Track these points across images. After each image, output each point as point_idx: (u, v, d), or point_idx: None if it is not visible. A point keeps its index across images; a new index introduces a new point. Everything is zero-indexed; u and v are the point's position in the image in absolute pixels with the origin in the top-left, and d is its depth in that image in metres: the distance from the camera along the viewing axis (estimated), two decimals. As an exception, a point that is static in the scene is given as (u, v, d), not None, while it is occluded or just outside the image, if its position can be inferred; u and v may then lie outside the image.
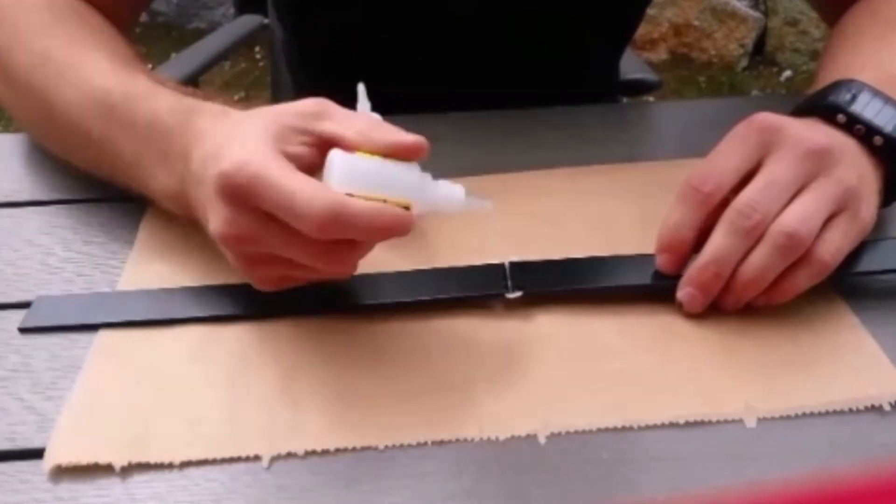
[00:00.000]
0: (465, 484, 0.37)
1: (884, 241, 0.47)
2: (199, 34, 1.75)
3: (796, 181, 0.42)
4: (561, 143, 0.60)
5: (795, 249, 0.42)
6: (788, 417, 0.39)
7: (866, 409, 0.39)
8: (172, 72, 1.14)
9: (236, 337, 0.44)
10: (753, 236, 0.42)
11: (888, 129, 0.46)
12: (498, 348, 0.43)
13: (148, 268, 0.49)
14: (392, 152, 0.39)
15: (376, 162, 0.39)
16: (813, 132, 0.44)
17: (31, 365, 0.43)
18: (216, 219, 0.39)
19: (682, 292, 0.44)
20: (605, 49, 0.77)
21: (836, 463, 0.37)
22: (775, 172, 0.43)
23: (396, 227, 0.38)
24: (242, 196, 0.38)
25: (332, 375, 0.42)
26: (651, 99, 1.61)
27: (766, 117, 0.44)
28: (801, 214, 0.42)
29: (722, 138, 0.45)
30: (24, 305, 0.46)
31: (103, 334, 0.44)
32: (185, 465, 0.37)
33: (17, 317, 0.46)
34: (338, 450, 0.38)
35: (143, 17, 2.48)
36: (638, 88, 1.03)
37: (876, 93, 0.47)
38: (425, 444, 0.38)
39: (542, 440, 0.38)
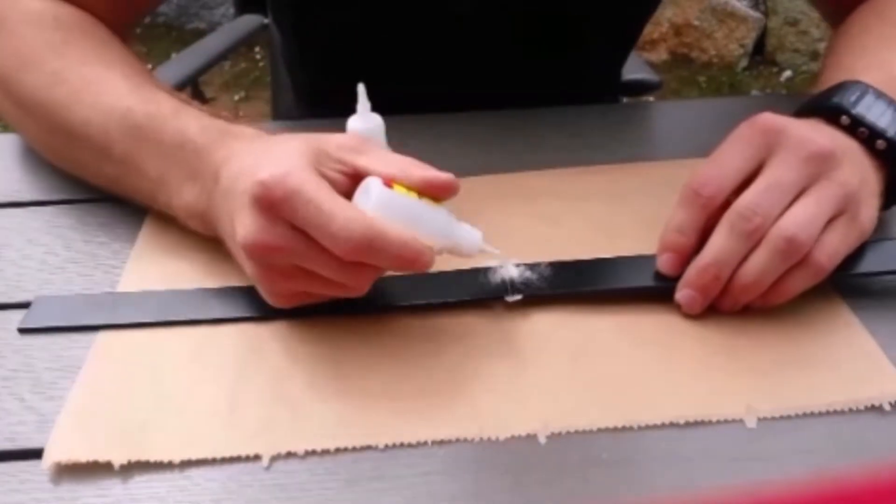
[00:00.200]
0: (466, 484, 0.37)
1: (883, 242, 0.47)
2: (199, 34, 1.75)
3: (798, 184, 0.42)
4: (561, 143, 0.61)
5: (795, 254, 0.42)
6: (788, 417, 0.39)
7: (866, 409, 0.40)
8: (172, 72, 1.14)
9: (236, 338, 0.44)
10: (754, 239, 0.42)
11: (891, 132, 0.46)
12: (498, 348, 0.43)
13: (148, 269, 0.49)
14: (426, 188, 0.41)
15: (411, 199, 0.41)
16: (815, 134, 0.44)
17: (31, 365, 0.43)
18: (246, 227, 0.40)
19: (681, 294, 0.44)
20: (605, 50, 0.77)
21: (836, 463, 0.37)
22: (777, 175, 0.43)
23: (419, 262, 0.40)
24: (278, 207, 0.38)
25: (332, 375, 0.42)
26: (651, 99, 1.61)
27: (769, 118, 0.44)
28: (801, 218, 0.42)
29: (722, 138, 0.45)
30: (25, 305, 0.46)
31: (103, 335, 0.44)
32: (185, 465, 0.37)
33: (18, 317, 0.46)
34: (338, 450, 0.38)
35: (144, 17, 2.48)
36: (638, 88, 1.03)
37: (880, 95, 0.47)
38: (425, 443, 0.38)
39: (542, 440, 0.38)
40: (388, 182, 0.40)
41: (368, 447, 0.38)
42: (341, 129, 0.49)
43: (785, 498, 0.29)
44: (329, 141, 0.42)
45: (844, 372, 0.41)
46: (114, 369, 0.42)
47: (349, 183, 0.42)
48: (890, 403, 0.40)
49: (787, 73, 2.43)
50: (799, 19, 2.38)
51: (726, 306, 0.44)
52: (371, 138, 0.49)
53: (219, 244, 0.46)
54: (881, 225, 0.48)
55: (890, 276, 0.47)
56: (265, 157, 0.41)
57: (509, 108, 0.64)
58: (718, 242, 0.43)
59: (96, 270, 0.49)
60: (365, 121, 0.48)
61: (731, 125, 0.46)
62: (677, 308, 0.45)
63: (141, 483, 0.37)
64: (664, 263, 0.45)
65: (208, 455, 0.38)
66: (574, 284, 0.46)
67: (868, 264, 0.46)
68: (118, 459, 0.37)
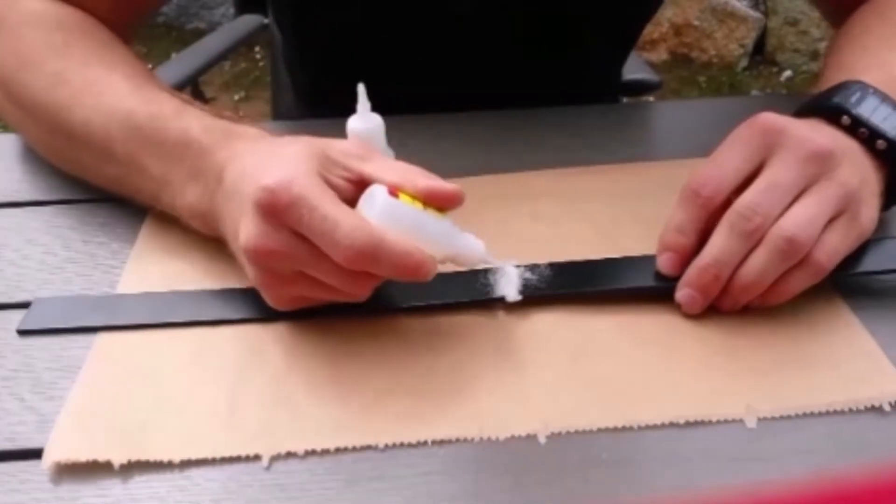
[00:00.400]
0: (466, 484, 0.37)
1: (883, 241, 0.47)
2: (199, 34, 1.75)
3: (798, 184, 0.42)
4: (561, 143, 0.61)
5: (795, 254, 0.42)
6: (788, 417, 0.39)
7: (866, 409, 0.39)
8: (172, 72, 1.14)
9: (236, 339, 0.44)
10: (753, 239, 0.42)
11: (891, 133, 0.46)
12: (498, 348, 0.43)
13: (148, 270, 0.49)
14: (431, 198, 0.41)
15: (415, 209, 0.41)
16: (816, 134, 0.44)
17: (31, 365, 0.43)
18: (249, 232, 0.40)
19: (681, 293, 0.44)
20: (605, 50, 0.77)
21: (836, 463, 0.37)
22: (777, 175, 0.43)
23: (421, 272, 0.40)
24: (282, 214, 0.38)
25: (332, 375, 0.42)
26: (651, 99, 1.61)
27: (769, 118, 0.44)
28: (801, 218, 0.42)
29: (722, 138, 0.45)
30: (25, 305, 0.46)
31: (102, 336, 0.44)
32: (185, 465, 0.37)
33: (17, 317, 0.46)
34: (338, 450, 0.38)
35: (144, 17, 2.47)
36: (638, 88, 1.03)
37: (881, 96, 0.46)
38: (425, 443, 0.38)
39: (541, 440, 0.38)
40: (393, 190, 0.40)
41: (368, 447, 0.38)
42: (341, 128, 0.49)
43: (785, 498, 0.29)
44: (333, 146, 0.42)
45: (844, 372, 0.41)
46: (113, 370, 0.42)
47: (353, 190, 0.42)
48: (890, 403, 0.40)
49: (787, 73, 2.43)
50: (799, 19, 2.38)
51: (726, 306, 0.44)
52: (372, 141, 0.49)
53: (219, 245, 0.46)
54: (881, 225, 0.48)
55: (890, 276, 0.47)
56: (270, 161, 0.41)
57: (509, 108, 0.64)
58: (718, 242, 0.43)
59: (95, 270, 0.49)
60: (365, 121, 0.48)
61: (731, 125, 0.46)
62: (677, 308, 0.45)
63: (141, 483, 0.37)
64: (664, 263, 0.45)
65: (208, 455, 0.38)
66: (574, 285, 0.46)
67: (868, 264, 0.46)
68: (118, 459, 0.37)
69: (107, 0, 0.58)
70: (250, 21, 1.25)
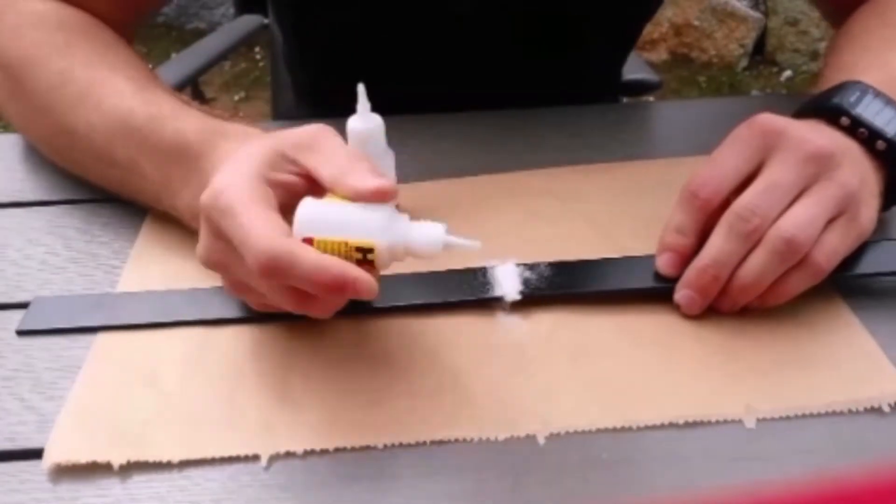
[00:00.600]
0: (465, 484, 0.37)
1: (883, 242, 0.47)
2: (199, 34, 1.75)
3: (797, 184, 0.42)
4: (561, 143, 0.61)
5: (794, 255, 0.42)
6: (788, 417, 0.39)
7: (866, 409, 0.40)
8: (172, 72, 1.14)
9: (235, 338, 0.44)
10: (752, 240, 0.42)
11: (891, 133, 0.46)
12: (498, 348, 0.43)
13: (148, 269, 0.49)
14: (357, 199, 0.39)
15: (341, 205, 0.39)
16: (815, 135, 0.44)
17: (31, 365, 0.43)
18: (199, 243, 0.41)
19: (680, 295, 0.44)
20: (605, 50, 0.77)
21: (836, 463, 0.37)
22: (776, 175, 0.43)
23: (347, 286, 0.36)
24: (214, 222, 0.39)
25: (332, 375, 0.42)
26: (651, 99, 1.61)
27: (768, 119, 0.44)
28: (800, 219, 0.42)
29: (722, 138, 0.45)
30: (26, 305, 0.46)
31: (102, 336, 0.44)
32: (185, 464, 0.37)
33: (18, 317, 0.46)
34: (338, 450, 0.38)
35: (144, 17, 2.47)
36: (638, 88, 1.03)
37: (881, 96, 0.46)
38: (425, 443, 0.38)
39: (541, 440, 0.38)
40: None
41: (368, 447, 0.38)
42: (341, 128, 0.49)
43: (785, 498, 0.29)
44: (286, 140, 0.41)
45: (844, 372, 0.41)
46: (113, 370, 0.42)
47: (304, 183, 0.41)
48: (890, 404, 0.40)
49: (787, 73, 2.43)
50: (799, 19, 2.38)
51: (725, 307, 0.44)
52: (372, 141, 0.49)
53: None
54: (881, 225, 0.48)
55: (890, 277, 0.47)
56: (225, 166, 0.40)
57: (509, 108, 0.64)
58: (717, 243, 0.43)
59: (97, 270, 0.49)
60: (365, 121, 0.48)
61: (731, 125, 0.46)
62: (677, 308, 0.45)
63: (141, 483, 0.37)
64: (663, 263, 0.45)
65: (208, 455, 0.38)
66: (574, 285, 0.46)
67: (868, 265, 0.46)
68: (118, 460, 0.37)
69: (108, 0, 0.58)
70: (250, 21, 1.25)
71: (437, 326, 0.44)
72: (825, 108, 0.47)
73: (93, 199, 0.55)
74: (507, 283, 0.46)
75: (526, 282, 0.46)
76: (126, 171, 0.50)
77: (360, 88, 0.47)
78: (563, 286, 0.46)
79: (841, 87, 0.48)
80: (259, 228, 0.37)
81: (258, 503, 0.36)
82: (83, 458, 0.37)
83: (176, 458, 0.38)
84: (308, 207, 0.39)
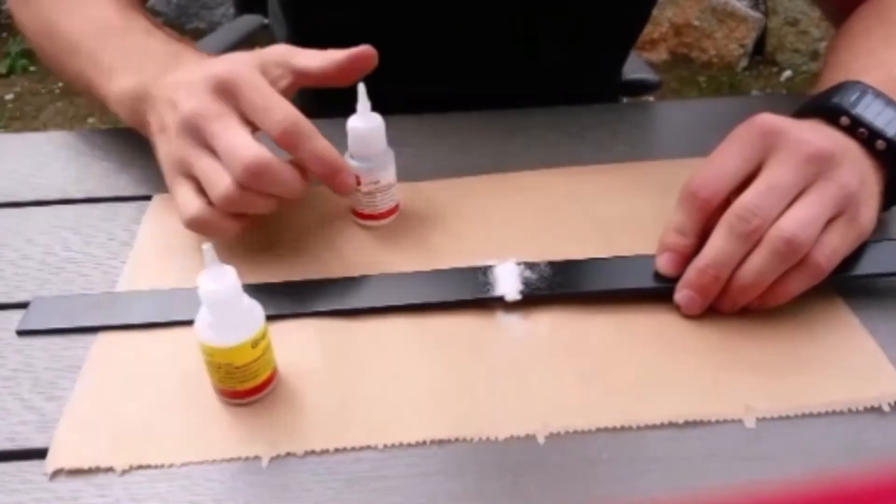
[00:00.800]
0: (465, 484, 0.37)
1: (883, 242, 0.47)
2: (199, 34, 1.75)
3: (797, 185, 0.42)
4: (561, 143, 0.61)
5: (794, 255, 0.42)
6: (788, 417, 0.39)
7: (866, 409, 0.40)
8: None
9: (236, 337, 0.44)
10: (752, 240, 0.42)
11: (891, 133, 0.45)
12: (498, 348, 0.43)
13: (147, 269, 0.49)
14: (344, 71, 0.47)
15: None
16: (814, 135, 0.44)
17: (31, 365, 0.43)
18: (192, 102, 0.45)
19: (680, 295, 0.44)
20: (605, 50, 0.77)
21: (836, 463, 0.37)
22: (776, 176, 0.43)
23: (337, 177, 0.46)
24: (231, 90, 0.45)
25: (332, 375, 0.42)
26: (651, 99, 1.61)
27: (767, 119, 0.44)
28: (800, 219, 0.42)
29: (722, 138, 0.45)
30: (25, 305, 0.46)
31: (103, 336, 0.44)
32: (186, 464, 0.38)
33: (17, 317, 0.46)
34: (338, 450, 0.38)
35: (144, 17, 2.48)
36: (638, 88, 1.03)
37: (880, 96, 0.46)
38: (425, 443, 0.38)
39: (541, 440, 0.38)
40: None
41: (368, 447, 0.38)
42: (341, 128, 0.49)
43: (785, 498, 0.29)
44: (264, 52, 0.48)
45: (844, 372, 0.41)
46: (114, 371, 0.42)
47: (290, 83, 0.48)
48: (890, 404, 0.40)
49: (787, 73, 2.43)
50: (799, 19, 2.38)
51: (725, 307, 0.44)
52: (372, 141, 0.49)
53: (217, 244, 0.46)
54: (881, 225, 0.48)
55: (890, 277, 0.47)
56: (217, 61, 0.47)
57: (509, 108, 0.64)
58: (717, 243, 0.43)
59: (95, 270, 0.49)
60: (365, 120, 0.48)
61: (731, 125, 0.46)
62: (677, 309, 0.45)
63: (142, 483, 0.37)
64: (663, 263, 0.45)
65: (209, 457, 0.38)
66: (574, 284, 0.46)
67: (868, 265, 0.46)
68: (120, 465, 0.37)
69: None
70: (250, 21, 1.25)
71: (437, 326, 0.44)
72: (825, 107, 0.47)
73: (90, 199, 0.55)
74: (508, 283, 0.46)
75: (526, 281, 0.46)
76: (85, 62, 0.55)
77: (361, 88, 0.47)
78: (563, 286, 0.46)
79: (841, 87, 0.48)
80: (284, 102, 0.45)
81: (258, 503, 0.36)
82: (86, 463, 0.37)
83: (178, 461, 0.38)
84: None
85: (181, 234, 0.50)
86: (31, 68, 2.45)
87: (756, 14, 2.43)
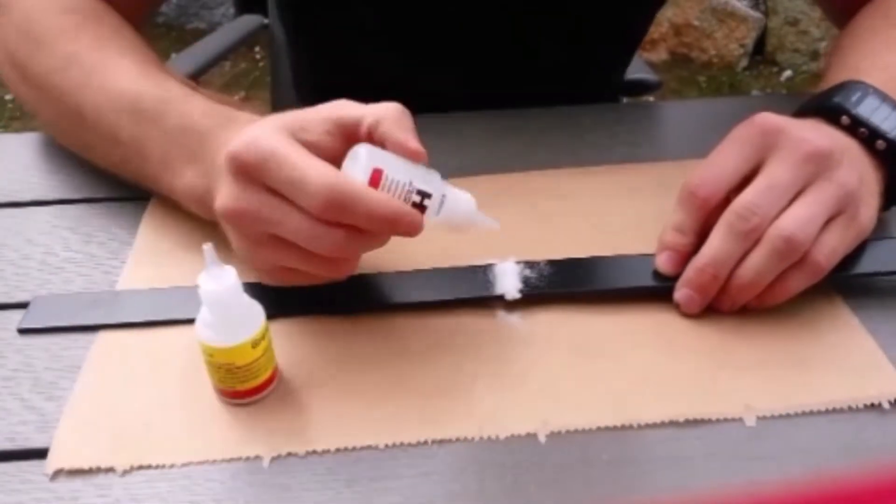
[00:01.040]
0: (466, 483, 0.37)
1: (883, 241, 0.47)
2: (199, 34, 1.75)
3: (796, 184, 0.42)
4: (561, 143, 0.60)
5: (793, 253, 0.42)
6: (788, 416, 0.39)
7: (866, 408, 0.40)
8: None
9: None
10: (751, 239, 0.42)
11: (891, 133, 0.46)
12: (498, 348, 0.43)
13: (147, 269, 0.49)
14: (405, 150, 0.40)
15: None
16: (814, 134, 0.44)
17: (31, 365, 0.43)
18: (222, 195, 0.40)
19: (680, 293, 0.44)
20: (606, 50, 0.77)
21: (836, 463, 0.37)
22: (775, 175, 0.43)
23: (401, 222, 0.39)
24: (252, 171, 0.39)
25: (332, 375, 0.42)
26: (651, 99, 1.61)
27: (767, 118, 0.44)
28: (799, 218, 0.42)
29: (722, 138, 0.45)
30: (25, 305, 0.46)
31: (103, 335, 0.44)
32: (186, 464, 0.38)
33: (17, 317, 0.46)
34: (338, 450, 0.38)
35: (144, 17, 2.47)
36: (638, 88, 1.03)
37: (882, 96, 0.46)
38: (426, 443, 0.38)
39: (542, 439, 0.38)
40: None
41: (368, 447, 0.38)
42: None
43: (785, 498, 0.29)
44: (309, 109, 0.42)
45: (844, 372, 0.41)
46: (114, 371, 0.42)
47: (337, 143, 0.41)
48: (889, 403, 0.40)
49: (787, 73, 2.43)
50: (799, 19, 2.38)
51: (725, 306, 0.44)
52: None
53: (218, 242, 0.46)
54: (881, 225, 0.48)
55: (890, 276, 0.47)
56: (246, 129, 0.41)
57: (509, 108, 0.64)
58: (716, 242, 0.43)
59: (95, 270, 0.49)
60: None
61: (731, 125, 0.46)
62: (676, 307, 0.45)
63: (141, 482, 0.37)
64: (662, 262, 0.45)
65: (209, 457, 0.38)
66: (574, 283, 0.46)
67: (868, 264, 0.46)
68: (121, 465, 0.37)
69: None
70: (250, 21, 1.25)
71: (437, 325, 0.44)
72: (826, 106, 0.47)
73: (90, 199, 0.55)
74: (508, 282, 0.46)
75: (526, 280, 0.46)
76: (129, 151, 0.50)
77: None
78: (562, 285, 0.46)
79: (842, 87, 0.48)
80: (318, 167, 0.38)
81: (258, 503, 0.36)
82: (87, 464, 0.37)
83: (179, 461, 0.38)
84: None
85: (181, 233, 0.50)
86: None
87: (756, 14, 2.43)
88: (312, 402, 0.40)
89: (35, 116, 0.58)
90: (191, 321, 0.44)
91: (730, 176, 0.44)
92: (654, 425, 0.39)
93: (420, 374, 0.42)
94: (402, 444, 0.38)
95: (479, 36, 0.68)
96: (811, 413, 0.39)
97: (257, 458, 0.38)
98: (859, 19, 0.60)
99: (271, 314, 0.44)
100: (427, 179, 0.41)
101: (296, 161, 0.38)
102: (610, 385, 0.41)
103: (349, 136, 0.41)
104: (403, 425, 0.39)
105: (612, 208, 0.53)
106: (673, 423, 0.39)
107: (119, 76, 0.51)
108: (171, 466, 0.37)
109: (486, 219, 0.43)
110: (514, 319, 0.45)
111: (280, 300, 0.45)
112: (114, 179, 0.55)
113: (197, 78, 1.13)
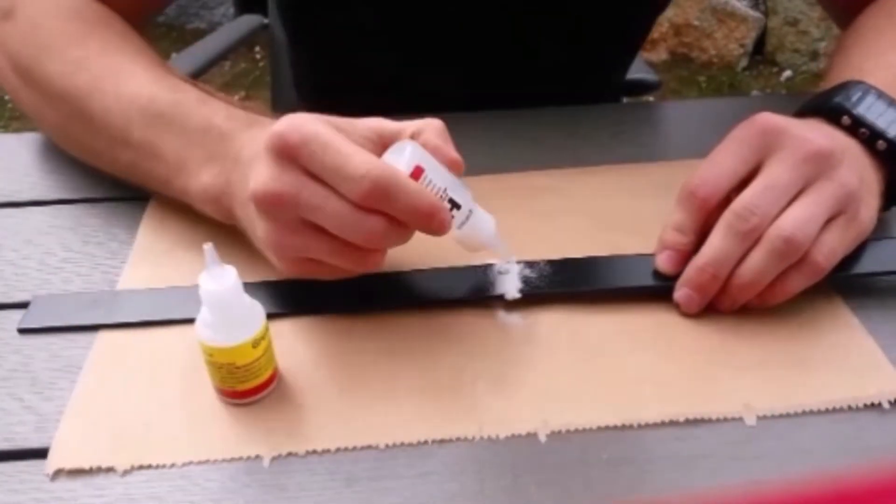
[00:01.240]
0: (466, 483, 0.37)
1: (883, 241, 0.47)
2: (199, 34, 1.74)
3: (796, 184, 0.42)
4: (561, 143, 0.60)
5: (793, 254, 0.42)
6: (788, 416, 0.39)
7: (866, 408, 0.40)
8: (172, 72, 1.14)
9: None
10: (751, 239, 0.42)
11: (892, 133, 0.45)
12: (498, 348, 0.43)
13: (146, 269, 0.49)
14: (446, 159, 0.42)
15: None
16: (815, 134, 0.44)
17: (30, 365, 0.43)
18: (259, 177, 0.39)
19: (679, 293, 0.44)
20: (606, 51, 0.77)
21: (836, 463, 0.37)
22: (775, 175, 0.43)
23: (435, 218, 0.39)
24: (294, 152, 0.38)
25: (332, 375, 0.42)
26: (651, 99, 1.61)
27: (767, 118, 0.44)
28: (799, 218, 0.42)
29: (722, 138, 0.45)
30: (24, 305, 0.46)
31: (103, 335, 0.44)
32: (185, 464, 0.37)
33: (16, 317, 0.46)
34: (338, 449, 0.38)
35: (143, 18, 2.47)
36: (638, 88, 1.03)
37: (882, 96, 0.46)
38: (426, 443, 0.38)
39: (542, 439, 0.38)
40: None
41: (368, 447, 0.38)
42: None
43: (785, 498, 0.29)
44: (336, 118, 0.42)
45: (844, 372, 0.41)
46: (114, 371, 0.42)
47: (374, 150, 0.41)
48: (889, 402, 0.40)
49: (787, 73, 2.43)
50: (799, 19, 2.38)
51: (725, 306, 0.44)
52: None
53: (219, 242, 0.46)
54: (881, 225, 0.48)
55: (890, 276, 0.47)
56: (282, 119, 0.41)
57: (509, 108, 0.64)
58: (716, 242, 0.43)
59: (95, 271, 0.49)
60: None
61: (731, 125, 0.46)
62: (676, 307, 0.45)
63: (140, 483, 0.37)
64: (662, 262, 0.45)
65: (209, 457, 0.38)
66: (574, 283, 0.46)
67: (868, 264, 0.46)
68: (121, 465, 0.37)
69: None
70: (250, 21, 1.25)
71: (437, 324, 0.44)
72: (827, 106, 0.47)
73: (89, 199, 0.55)
74: (508, 282, 0.46)
75: (526, 280, 0.46)
76: (139, 153, 0.50)
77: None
78: (563, 284, 0.46)
79: (843, 87, 0.48)
80: (362, 153, 0.38)
81: (258, 503, 0.36)
82: (87, 463, 0.37)
83: (179, 461, 0.38)
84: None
85: (181, 233, 0.50)
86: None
87: (756, 14, 2.43)
88: (312, 401, 0.40)
89: (38, 122, 0.58)
90: (191, 321, 0.44)
91: (730, 176, 0.44)
92: (654, 425, 0.39)
93: (420, 373, 0.42)
94: (401, 444, 0.38)
95: (479, 36, 0.68)
96: (811, 413, 0.39)
97: (257, 457, 0.38)
98: (863, 19, 0.60)
99: (271, 314, 0.44)
100: (460, 192, 0.42)
101: (339, 146, 0.38)
102: (610, 385, 0.41)
103: (388, 145, 0.42)
104: (404, 425, 0.39)
105: (612, 208, 0.53)
106: (673, 423, 0.39)
107: (130, 80, 0.51)
108: (171, 466, 0.37)
109: (503, 245, 0.44)
110: (514, 319, 0.45)
111: (280, 300, 0.45)
112: (113, 179, 0.55)
113: (197, 78, 1.13)
